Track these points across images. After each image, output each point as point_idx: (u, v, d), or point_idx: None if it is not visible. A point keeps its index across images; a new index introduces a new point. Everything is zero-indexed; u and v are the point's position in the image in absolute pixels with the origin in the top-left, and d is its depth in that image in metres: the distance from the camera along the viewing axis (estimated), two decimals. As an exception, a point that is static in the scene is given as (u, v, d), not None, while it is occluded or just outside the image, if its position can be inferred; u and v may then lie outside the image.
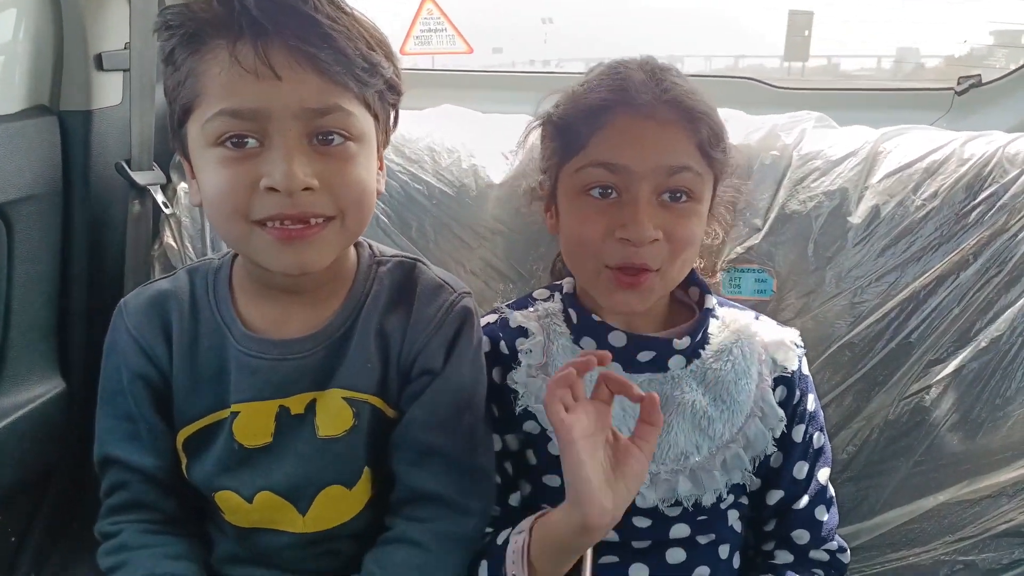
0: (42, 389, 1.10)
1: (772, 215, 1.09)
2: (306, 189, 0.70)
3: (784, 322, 0.96)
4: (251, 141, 0.70)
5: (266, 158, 0.69)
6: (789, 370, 0.88)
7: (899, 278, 1.06)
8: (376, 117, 0.77)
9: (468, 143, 1.19)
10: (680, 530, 0.86)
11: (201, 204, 0.77)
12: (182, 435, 0.82)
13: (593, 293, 0.87)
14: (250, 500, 0.81)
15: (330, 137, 0.72)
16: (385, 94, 0.77)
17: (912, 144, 1.11)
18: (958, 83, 1.42)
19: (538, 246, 1.12)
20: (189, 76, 0.70)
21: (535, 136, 0.93)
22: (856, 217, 1.07)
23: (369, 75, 0.73)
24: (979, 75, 1.41)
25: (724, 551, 0.88)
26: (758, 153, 1.12)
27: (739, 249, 1.09)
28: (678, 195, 0.81)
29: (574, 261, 0.86)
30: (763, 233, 1.09)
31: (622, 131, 0.80)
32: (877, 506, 1.06)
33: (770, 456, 0.87)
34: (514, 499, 0.89)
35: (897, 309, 1.06)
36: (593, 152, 0.81)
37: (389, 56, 0.77)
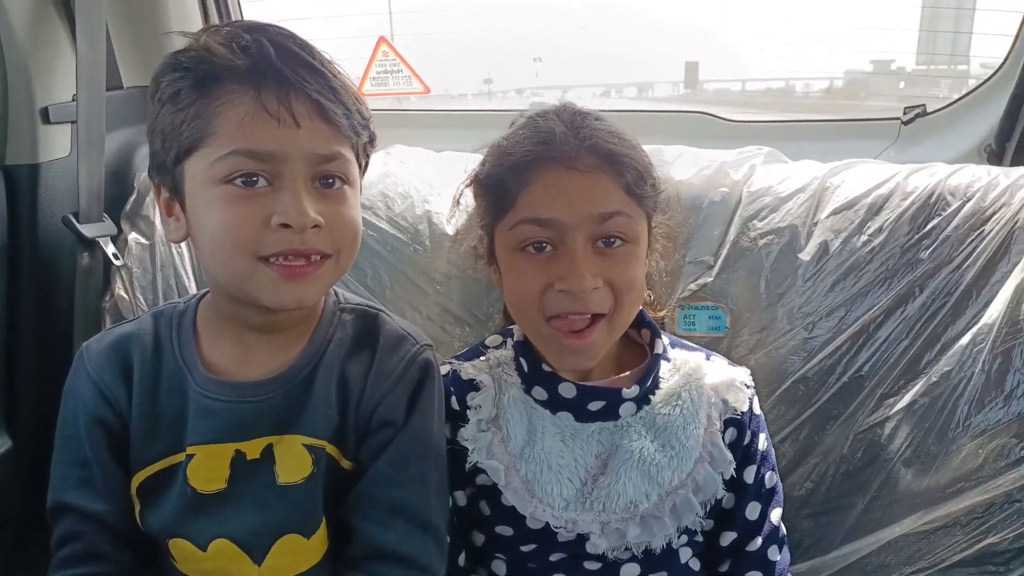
0: None
1: (724, 252, 1.10)
2: (314, 227, 0.74)
3: (738, 358, 0.97)
4: (261, 180, 0.73)
5: (277, 197, 0.73)
6: (739, 411, 0.88)
7: (849, 312, 1.08)
8: (360, 165, 0.82)
9: (421, 187, 1.19)
10: (631, 570, 0.86)
11: (183, 239, 0.79)
12: (136, 480, 0.81)
13: (541, 350, 0.87)
14: (204, 548, 0.80)
15: (331, 181, 0.77)
16: (367, 146, 0.82)
17: (858, 179, 1.13)
18: (904, 113, 1.45)
19: (493, 289, 1.12)
20: (198, 116, 0.73)
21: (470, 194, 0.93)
22: (805, 254, 1.08)
23: (362, 127, 0.79)
24: (924, 105, 1.44)
25: (679, 588, 0.88)
26: (707, 190, 1.13)
27: (692, 287, 1.10)
28: (612, 241, 0.81)
29: (518, 316, 0.86)
30: (716, 270, 1.10)
31: (548, 185, 0.80)
32: (836, 541, 1.07)
33: (721, 499, 0.87)
34: (461, 559, 0.89)
35: (848, 343, 1.07)
36: (522, 209, 0.81)
37: (368, 112, 0.81)
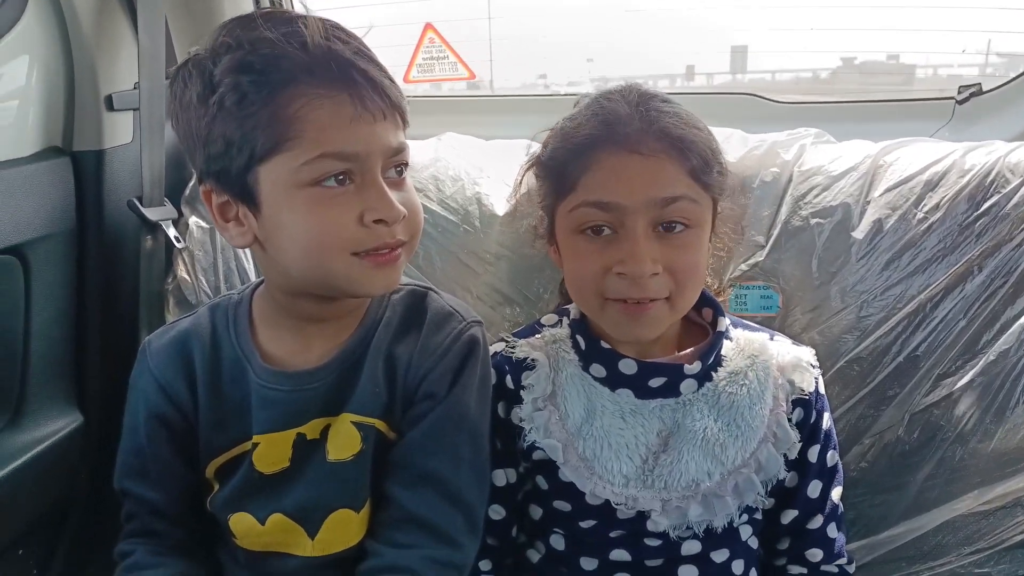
0: (61, 423, 1.12)
1: (775, 232, 1.09)
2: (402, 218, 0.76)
3: (793, 337, 0.96)
4: (347, 179, 0.74)
5: (365, 194, 0.74)
6: (806, 392, 0.87)
7: (904, 291, 1.06)
8: None
9: (471, 171, 1.20)
10: (692, 547, 0.86)
11: (250, 245, 0.78)
12: (212, 466, 0.85)
13: (601, 325, 0.87)
14: (263, 522, 0.83)
15: (399, 169, 0.79)
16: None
17: (912, 157, 1.11)
18: (959, 92, 1.42)
19: (543, 269, 1.13)
20: (274, 121, 0.71)
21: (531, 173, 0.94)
22: (859, 232, 1.07)
23: (407, 116, 0.80)
24: (979, 84, 1.41)
25: (739, 567, 0.89)
26: (758, 171, 1.12)
27: (743, 267, 1.09)
28: (673, 226, 0.80)
29: (578, 297, 0.87)
30: (767, 250, 1.09)
31: (609, 169, 0.80)
32: (891, 520, 1.06)
33: (783, 478, 0.86)
34: (514, 532, 0.90)
35: (904, 322, 1.06)
36: (583, 192, 0.81)
37: None
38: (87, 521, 1.18)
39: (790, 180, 1.11)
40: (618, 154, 0.80)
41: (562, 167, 0.83)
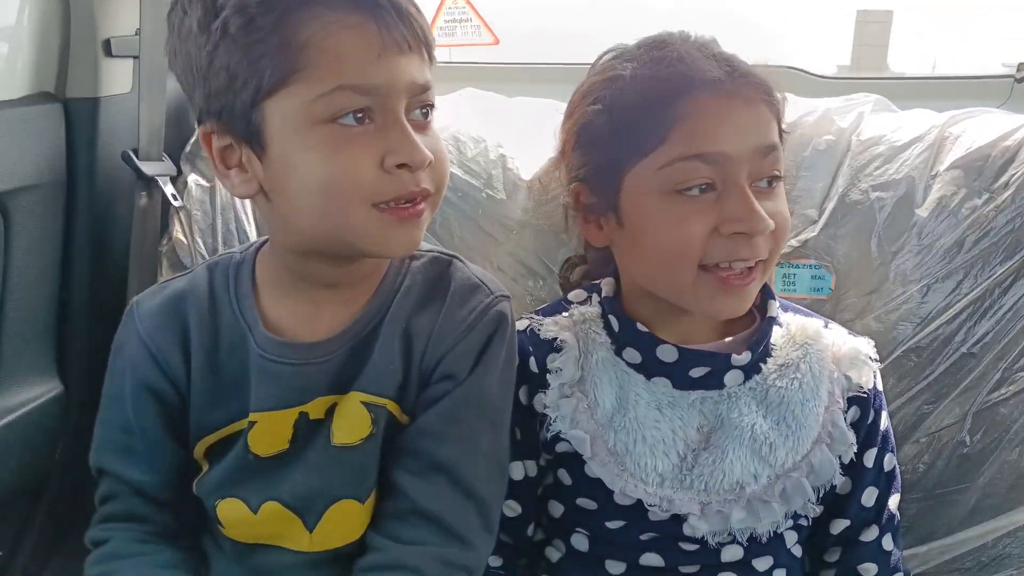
0: (39, 391, 1.06)
1: (830, 205, 1.00)
2: (428, 165, 0.68)
3: (842, 324, 0.87)
4: (367, 118, 0.66)
5: (387, 135, 0.66)
6: (864, 389, 0.79)
7: (968, 276, 0.97)
8: None
9: (495, 130, 1.11)
10: (732, 552, 0.78)
11: (254, 194, 0.70)
12: (202, 445, 0.77)
13: (688, 303, 0.77)
14: (255, 511, 0.75)
15: (425, 111, 0.70)
16: None
17: (982, 128, 1.01)
18: (1018, 70, 1.32)
19: (570, 240, 1.04)
20: (284, 48, 0.63)
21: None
22: (923, 209, 0.98)
23: (433, 52, 0.71)
24: (1040, 62, 1.31)
25: (781, 576, 0.80)
26: (810, 138, 1.03)
27: (793, 242, 0.99)
28: (769, 179, 0.73)
29: (662, 271, 0.76)
30: (820, 225, 1.00)
31: (711, 116, 0.71)
32: (949, 527, 0.98)
33: (836, 483, 0.78)
34: (531, 530, 0.82)
35: (968, 310, 0.97)
36: (680, 144, 0.71)
37: None
38: (65, 497, 1.11)
39: (848, 149, 1.02)
40: (718, 99, 0.71)
41: (639, 120, 0.74)
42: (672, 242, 0.73)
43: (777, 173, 0.74)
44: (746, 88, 0.72)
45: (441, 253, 0.80)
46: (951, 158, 1.00)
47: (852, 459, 0.78)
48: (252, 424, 0.74)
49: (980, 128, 1.02)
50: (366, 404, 0.73)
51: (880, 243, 0.98)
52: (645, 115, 0.73)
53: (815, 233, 1.00)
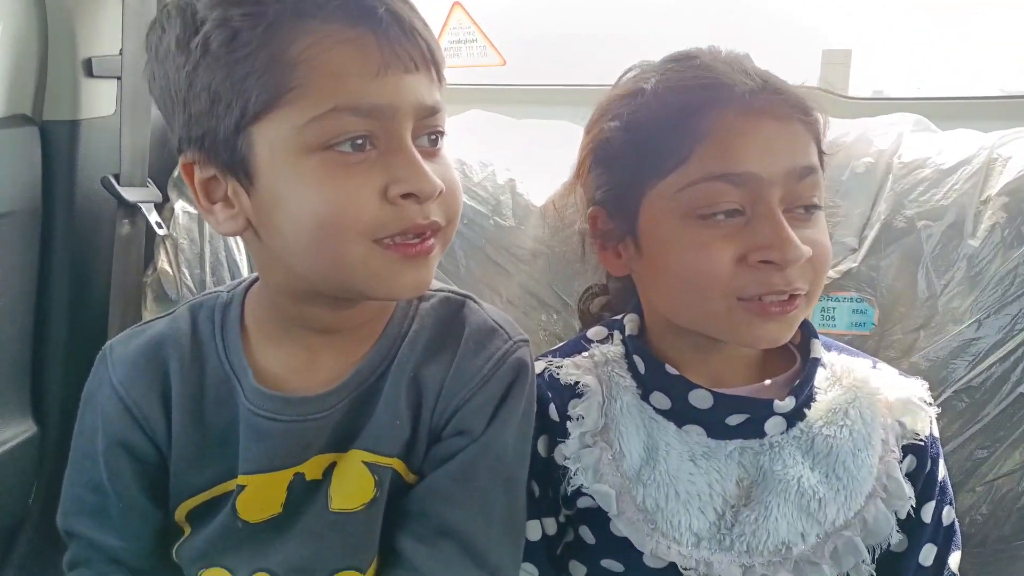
0: (12, 432, 0.99)
1: (871, 233, 0.92)
2: (438, 195, 0.61)
3: (888, 362, 0.79)
4: (368, 144, 0.59)
5: (391, 162, 0.59)
6: (921, 436, 0.71)
7: (1024, 309, 0.88)
8: None
9: (503, 154, 1.04)
10: None
11: (240, 232, 0.63)
12: (184, 508, 0.70)
13: (721, 333, 0.69)
14: None
15: (434, 137, 0.64)
16: None
17: (1034, 150, 0.94)
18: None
19: (586, 270, 0.96)
20: (273, 65, 0.57)
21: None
22: (975, 239, 0.89)
23: (443, 72, 0.65)
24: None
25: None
26: (847, 161, 0.95)
27: (832, 273, 0.91)
28: (807, 206, 0.66)
29: (691, 300, 0.69)
30: (862, 254, 0.92)
31: (741, 133, 0.65)
32: None
33: (893, 541, 0.70)
34: None
35: (1024, 347, 0.88)
36: (705, 163, 0.65)
37: None
38: (37, 548, 1.03)
39: (888, 172, 0.94)
40: (746, 116, 0.65)
41: (659, 137, 0.67)
42: (695, 272, 0.66)
43: (816, 201, 0.67)
44: (779, 105, 0.66)
45: (453, 293, 0.73)
46: (1002, 182, 0.92)
47: (909, 514, 0.70)
48: (241, 488, 0.67)
49: (1032, 149, 0.94)
50: (369, 464, 0.66)
51: (928, 275, 0.91)
52: (666, 131, 0.67)
53: (856, 264, 0.92)
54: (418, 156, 0.60)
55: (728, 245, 0.64)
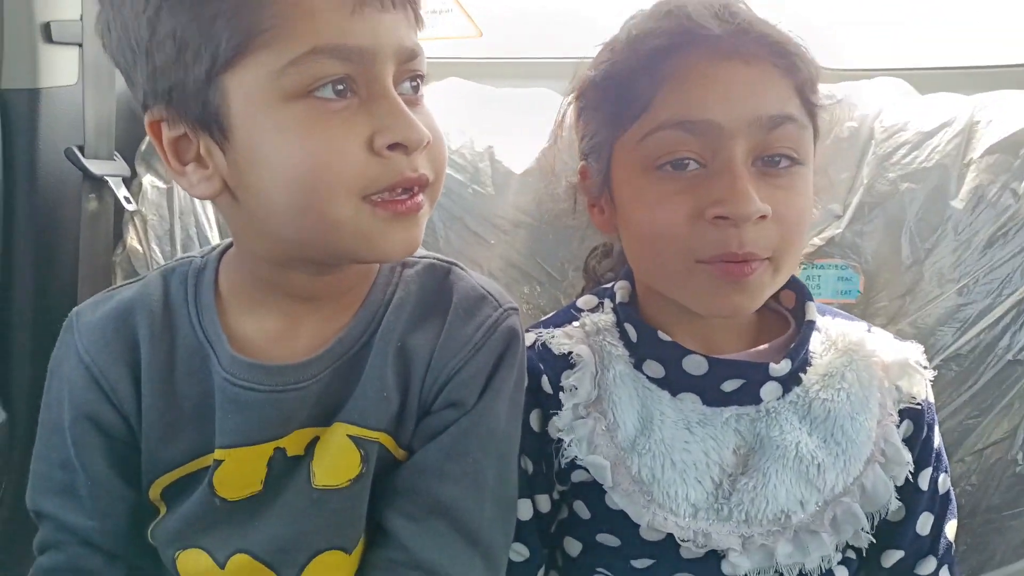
0: None
1: (855, 199, 0.91)
2: (426, 144, 0.58)
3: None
4: (349, 91, 0.56)
5: (374, 110, 0.56)
6: (917, 400, 0.70)
7: (1012, 274, 0.89)
8: None
9: (482, 121, 1.02)
10: None
11: (216, 195, 0.59)
12: (158, 486, 0.67)
13: (684, 298, 0.67)
14: (222, 565, 0.65)
15: (415, 84, 0.61)
16: None
17: (1016, 111, 0.94)
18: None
19: (570, 241, 0.95)
20: (242, 7, 0.53)
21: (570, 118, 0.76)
22: (959, 201, 0.89)
23: (420, 13, 0.61)
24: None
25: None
26: (831, 126, 0.94)
27: (816, 240, 0.91)
28: (778, 159, 0.62)
29: (651, 261, 0.67)
30: (846, 220, 0.91)
31: (700, 77, 0.61)
32: (1000, 557, 0.89)
33: (891, 509, 0.69)
34: (541, 573, 0.73)
35: (1012, 312, 0.88)
36: (662, 110, 0.62)
37: None
38: (6, 542, 1.00)
39: (871, 137, 0.93)
40: (710, 60, 0.62)
41: (626, 84, 0.64)
42: (650, 229, 0.64)
43: (791, 152, 0.63)
44: (748, 44, 0.62)
45: (437, 259, 0.71)
46: (985, 144, 0.92)
47: (907, 480, 0.69)
48: (218, 463, 0.64)
49: (1013, 110, 0.94)
50: (354, 438, 0.63)
51: (912, 239, 0.90)
52: (632, 77, 0.64)
53: (840, 230, 0.91)
54: (403, 103, 0.57)
55: (686, 200, 0.62)
